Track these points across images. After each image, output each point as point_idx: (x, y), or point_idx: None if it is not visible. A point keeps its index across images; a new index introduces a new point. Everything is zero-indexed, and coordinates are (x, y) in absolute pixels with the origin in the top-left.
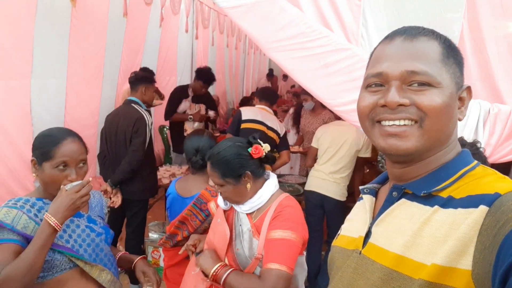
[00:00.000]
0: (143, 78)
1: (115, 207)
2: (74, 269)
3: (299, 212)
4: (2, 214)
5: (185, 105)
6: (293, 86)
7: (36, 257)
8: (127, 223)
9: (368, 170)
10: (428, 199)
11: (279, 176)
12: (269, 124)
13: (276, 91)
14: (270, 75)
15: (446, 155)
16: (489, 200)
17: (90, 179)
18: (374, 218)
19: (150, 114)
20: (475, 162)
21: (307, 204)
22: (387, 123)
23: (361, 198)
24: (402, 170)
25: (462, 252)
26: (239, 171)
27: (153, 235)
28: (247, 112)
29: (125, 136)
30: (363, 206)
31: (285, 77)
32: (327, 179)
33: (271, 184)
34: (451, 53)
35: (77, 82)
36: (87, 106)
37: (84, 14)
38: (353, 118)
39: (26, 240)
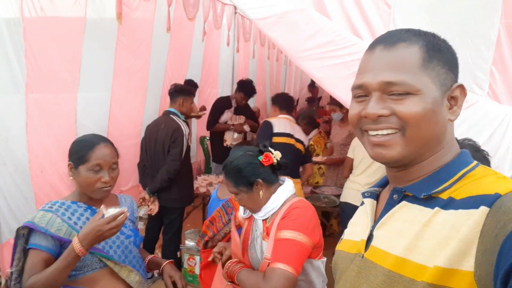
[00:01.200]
0: (181, 90)
1: (153, 214)
2: (104, 269)
3: (308, 214)
4: (38, 218)
5: (227, 116)
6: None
7: (59, 275)
8: (164, 230)
9: None
10: (429, 201)
11: (315, 187)
12: (297, 136)
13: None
14: (312, 85)
15: (444, 157)
16: (490, 200)
17: (126, 209)
18: (375, 221)
19: (187, 124)
20: (475, 162)
21: (342, 215)
22: (372, 132)
23: (363, 203)
24: (398, 174)
25: (464, 253)
26: (250, 179)
27: (189, 243)
28: (277, 125)
29: (164, 145)
30: (365, 210)
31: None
32: (363, 190)
33: (285, 189)
34: (435, 54)
35: (122, 94)
36: (130, 117)
37: (129, 30)
38: None
39: (60, 242)
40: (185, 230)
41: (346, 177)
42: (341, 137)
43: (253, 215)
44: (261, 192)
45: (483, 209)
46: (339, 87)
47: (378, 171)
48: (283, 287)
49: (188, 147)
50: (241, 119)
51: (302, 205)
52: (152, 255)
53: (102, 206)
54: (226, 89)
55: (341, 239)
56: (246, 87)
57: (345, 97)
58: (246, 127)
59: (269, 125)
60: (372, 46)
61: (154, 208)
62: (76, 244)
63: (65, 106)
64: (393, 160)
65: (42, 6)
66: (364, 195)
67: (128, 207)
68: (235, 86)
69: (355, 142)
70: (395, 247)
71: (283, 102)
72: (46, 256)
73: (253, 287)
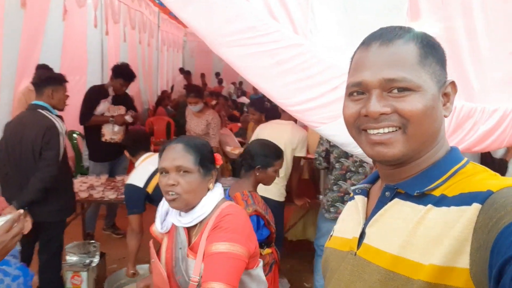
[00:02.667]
0: (50, 79)
1: (25, 233)
2: None
3: (242, 220)
4: None
5: (103, 107)
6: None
7: None
8: (40, 250)
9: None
10: (421, 198)
11: None
12: None
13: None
14: (187, 72)
15: (436, 154)
16: (482, 197)
17: (21, 211)
18: (367, 219)
19: (62, 120)
20: (465, 159)
21: None
22: (372, 131)
23: (352, 198)
24: (393, 172)
25: (458, 251)
26: (211, 165)
27: (71, 258)
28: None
29: (33, 148)
30: (355, 207)
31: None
32: None
33: (216, 192)
34: (429, 51)
35: None
36: None
37: None
38: (308, 117)
39: None
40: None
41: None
42: (200, 128)
43: (177, 221)
44: (211, 185)
45: (476, 206)
46: (262, 76)
47: None
48: None
49: (65, 148)
50: (120, 109)
51: (234, 211)
52: None
53: None
54: (95, 76)
55: (331, 236)
56: (124, 72)
57: (269, 87)
58: (128, 118)
59: (132, 188)
60: (367, 43)
61: (27, 225)
62: None
63: None
64: (395, 159)
65: None
66: (355, 191)
67: None
68: (105, 72)
69: (258, 130)
70: (388, 245)
71: (132, 142)
72: None
73: None
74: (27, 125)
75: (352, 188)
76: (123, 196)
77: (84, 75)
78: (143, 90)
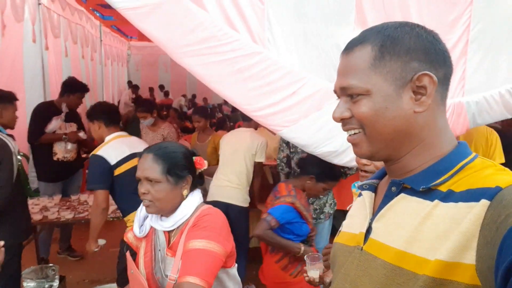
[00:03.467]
0: None
1: None
2: None
3: (220, 221)
4: None
5: (55, 124)
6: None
7: None
8: None
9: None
10: (428, 193)
11: None
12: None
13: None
14: (135, 86)
15: (436, 148)
16: (490, 194)
17: (2, 243)
18: (374, 214)
19: (14, 139)
20: (474, 154)
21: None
22: (346, 132)
23: (361, 194)
24: (390, 167)
25: (465, 247)
26: (183, 172)
27: (29, 284)
28: (112, 153)
29: None
30: (363, 202)
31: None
32: (228, 185)
33: (196, 195)
34: (387, 50)
35: None
36: None
37: None
38: (270, 122)
39: None
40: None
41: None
42: (156, 142)
43: (158, 226)
44: (185, 191)
45: (484, 202)
46: (225, 84)
47: (239, 165)
48: None
49: (20, 168)
50: (72, 126)
51: (213, 212)
52: None
53: None
54: (37, 93)
55: (339, 231)
56: (77, 85)
57: (231, 94)
58: (82, 135)
59: (100, 160)
60: (342, 52)
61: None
62: None
63: None
64: (366, 156)
65: None
66: (362, 187)
67: None
68: (47, 89)
69: (222, 140)
70: (394, 240)
71: (109, 115)
72: None
73: None
74: None
75: (360, 184)
76: (80, 215)
77: (21, 92)
78: (89, 106)
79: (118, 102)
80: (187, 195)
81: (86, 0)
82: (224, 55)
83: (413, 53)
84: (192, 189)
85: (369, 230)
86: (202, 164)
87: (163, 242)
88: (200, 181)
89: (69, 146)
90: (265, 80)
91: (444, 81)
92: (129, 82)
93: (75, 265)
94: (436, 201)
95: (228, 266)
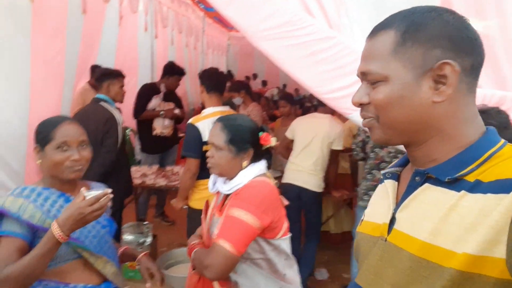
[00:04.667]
0: (105, 74)
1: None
2: (78, 260)
3: (262, 194)
4: (9, 202)
5: (155, 103)
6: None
7: (37, 264)
8: None
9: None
10: (454, 183)
11: None
12: None
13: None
14: (230, 74)
15: (462, 137)
16: None
17: (109, 190)
18: (397, 204)
19: (120, 112)
20: (502, 141)
21: (285, 197)
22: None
23: (382, 181)
24: (411, 154)
25: (494, 240)
26: (245, 144)
27: (127, 237)
28: (205, 129)
29: (96, 136)
30: (385, 191)
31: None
32: (304, 170)
33: (256, 167)
34: (410, 36)
35: (41, 84)
36: (49, 106)
37: (43, 11)
38: (340, 105)
39: (32, 230)
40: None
41: (279, 153)
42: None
43: (220, 188)
44: (245, 163)
45: None
46: (298, 67)
47: (315, 152)
48: (220, 264)
49: (123, 136)
50: (170, 105)
51: (257, 185)
52: (126, 246)
53: (82, 188)
54: (146, 77)
55: (362, 220)
56: (176, 68)
57: (303, 77)
58: (178, 112)
59: (195, 132)
60: (367, 36)
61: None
62: (55, 229)
63: None
64: (381, 142)
65: None
66: (385, 175)
67: None
68: (155, 73)
69: (295, 123)
70: (419, 231)
71: (211, 81)
72: (21, 244)
73: (198, 264)
74: (90, 116)
75: (383, 172)
76: (172, 183)
77: (135, 76)
78: (189, 92)
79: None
80: (246, 166)
81: None
82: (298, 38)
83: (437, 40)
84: (255, 161)
85: (392, 220)
86: (267, 140)
87: (219, 202)
88: (266, 155)
89: (166, 122)
90: (337, 64)
91: (472, 71)
92: (229, 71)
93: (166, 229)
94: (463, 192)
95: (269, 237)
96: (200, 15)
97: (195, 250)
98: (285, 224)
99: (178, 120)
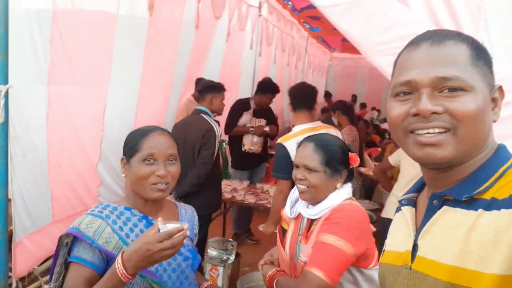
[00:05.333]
0: (210, 87)
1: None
2: None
3: (354, 219)
4: (85, 224)
5: (246, 118)
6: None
7: None
8: None
9: None
10: (471, 203)
11: None
12: None
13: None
14: (328, 95)
15: (485, 157)
16: None
17: (186, 225)
18: (417, 230)
19: (219, 124)
20: None
21: (383, 233)
22: (421, 131)
23: (399, 209)
24: (439, 176)
25: None
26: (339, 166)
27: (212, 252)
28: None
29: (194, 147)
30: (404, 218)
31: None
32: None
33: (345, 190)
34: (480, 54)
35: (149, 92)
36: (156, 115)
37: (159, 24)
38: None
39: (105, 256)
40: (208, 238)
41: (375, 175)
42: None
43: (304, 212)
44: (339, 185)
45: None
46: None
47: None
48: None
49: (219, 150)
50: (261, 122)
51: (348, 209)
52: (210, 282)
53: (159, 219)
54: (246, 94)
55: (383, 250)
56: (270, 86)
57: None
58: (267, 129)
59: (284, 151)
60: (416, 43)
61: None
62: (119, 265)
63: (94, 101)
64: (444, 161)
65: None
66: (401, 202)
67: (189, 220)
68: (255, 90)
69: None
70: (443, 256)
71: (298, 98)
72: (90, 274)
73: None
74: (191, 127)
75: (398, 199)
76: (261, 202)
77: (235, 92)
78: (286, 109)
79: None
80: (339, 189)
81: (299, 12)
82: None
83: (490, 66)
84: (344, 183)
85: (415, 247)
86: (356, 161)
87: (304, 228)
88: (350, 176)
89: (255, 139)
90: None
91: None
92: (326, 92)
93: (250, 248)
94: (480, 210)
95: (362, 266)
96: (304, 35)
97: (278, 279)
98: (376, 253)
99: (271, 136)
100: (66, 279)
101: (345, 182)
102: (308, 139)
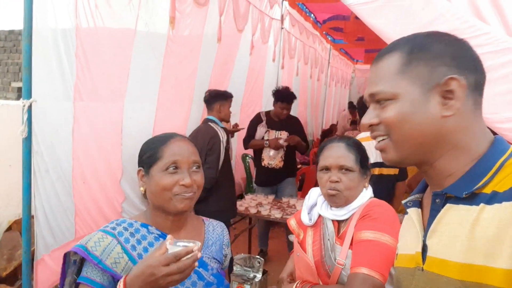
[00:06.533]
0: (217, 95)
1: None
2: None
3: (391, 213)
4: (93, 242)
5: (260, 131)
6: None
7: None
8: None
9: None
10: (473, 198)
11: None
12: None
13: None
14: (352, 107)
15: (472, 150)
16: None
17: (198, 246)
18: (425, 230)
19: (226, 131)
20: (511, 148)
21: None
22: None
23: (407, 213)
24: (427, 174)
25: None
26: (367, 166)
27: (238, 270)
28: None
29: (201, 154)
30: (411, 220)
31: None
32: None
33: (370, 189)
34: (415, 56)
35: (168, 104)
36: (175, 128)
37: (180, 37)
38: None
39: (113, 280)
40: (234, 255)
41: (409, 189)
42: None
43: (330, 215)
44: (366, 184)
45: None
46: None
47: None
48: None
49: (228, 155)
50: (282, 134)
51: (383, 204)
52: None
53: (168, 237)
54: (269, 107)
55: (397, 254)
56: (278, 94)
57: None
58: (282, 142)
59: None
60: (371, 63)
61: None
62: None
63: (112, 115)
64: (394, 163)
65: (97, 16)
66: (406, 205)
67: (216, 239)
68: None
69: None
70: (452, 254)
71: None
72: None
73: None
74: (199, 136)
75: (403, 202)
76: (287, 217)
77: (258, 105)
78: (309, 122)
79: (337, 123)
80: (367, 188)
81: (322, 25)
82: None
83: (441, 59)
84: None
85: (424, 248)
86: None
87: (332, 231)
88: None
89: (271, 152)
90: None
91: (476, 87)
92: (350, 103)
93: (278, 264)
94: (482, 204)
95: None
96: (326, 47)
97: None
98: None
99: (300, 150)
100: None
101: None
102: (335, 140)
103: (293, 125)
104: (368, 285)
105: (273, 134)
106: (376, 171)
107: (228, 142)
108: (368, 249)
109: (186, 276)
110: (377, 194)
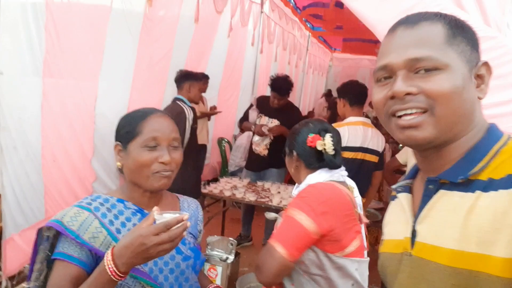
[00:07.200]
0: (188, 75)
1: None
2: None
3: (322, 195)
4: (69, 217)
5: (252, 115)
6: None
7: None
8: None
9: None
10: (468, 185)
11: None
12: (370, 146)
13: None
14: (328, 95)
15: (474, 136)
16: None
17: (187, 215)
18: (415, 216)
19: (193, 110)
20: (506, 135)
21: None
22: (399, 113)
23: (395, 197)
24: (430, 157)
25: None
26: (291, 147)
27: (210, 252)
28: (348, 135)
29: None
30: (400, 206)
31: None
32: None
33: (323, 174)
34: (458, 31)
35: (142, 85)
36: (148, 107)
37: (157, 16)
38: (502, 124)
39: (91, 255)
40: (206, 237)
41: (386, 178)
42: None
43: (294, 192)
44: (295, 166)
45: None
46: None
47: None
48: (269, 265)
49: (195, 136)
50: (273, 122)
51: (319, 186)
52: (215, 285)
53: (154, 208)
54: (247, 92)
55: (382, 240)
56: (277, 84)
57: None
58: (265, 129)
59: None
60: (393, 29)
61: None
62: (108, 262)
63: (85, 93)
64: (426, 142)
65: None
66: (397, 190)
67: (192, 215)
68: (255, 88)
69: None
70: (444, 240)
71: (354, 94)
72: (77, 271)
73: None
74: (166, 112)
75: (394, 187)
76: (262, 200)
77: (237, 90)
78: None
79: (312, 110)
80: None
81: (301, 11)
82: None
83: (474, 43)
84: (308, 165)
85: (414, 233)
86: (312, 142)
87: None
88: (328, 162)
89: (256, 138)
90: (496, 71)
91: None
92: (329, 91)
93: (250, 246)
94: (478, 192)
95: (329, 250)
96: (305, 34)
97: None
98: (357, 243)
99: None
100: (50, 277)
101: (312, 164)
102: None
103: (289, 115)
104: (270, 257)
105: (265, 120)
106: (360, 155)
107: (195, 121)
108: (284, 224)
109: (176, 245)
110: (357, 179)
